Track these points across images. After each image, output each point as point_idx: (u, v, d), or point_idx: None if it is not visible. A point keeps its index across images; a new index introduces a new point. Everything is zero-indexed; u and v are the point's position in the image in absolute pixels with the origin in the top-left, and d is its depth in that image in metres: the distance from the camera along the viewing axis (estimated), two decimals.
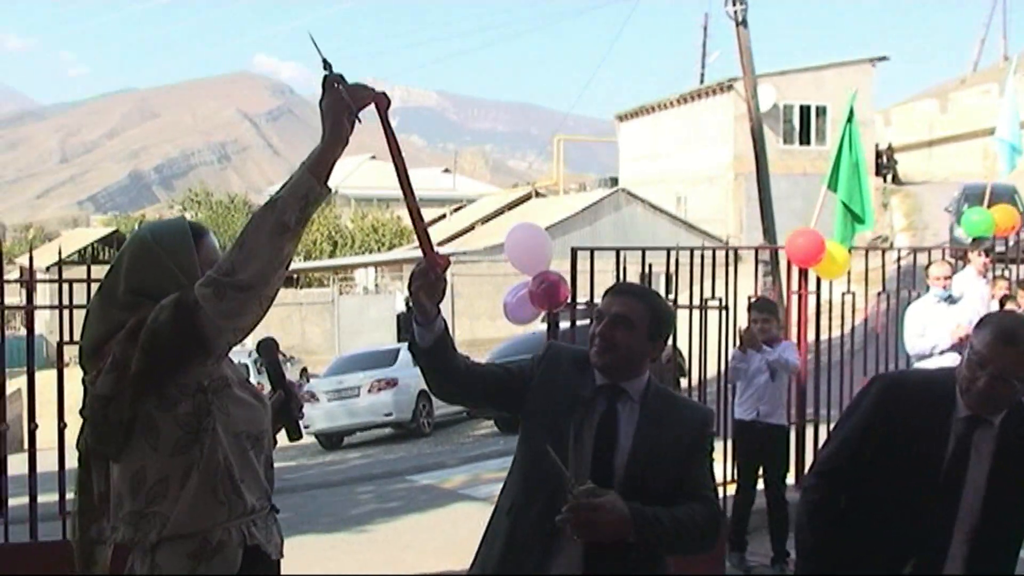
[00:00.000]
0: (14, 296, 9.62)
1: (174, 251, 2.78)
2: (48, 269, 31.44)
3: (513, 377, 3.23)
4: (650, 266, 7.34)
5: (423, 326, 3.04)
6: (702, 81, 39.24)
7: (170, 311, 2.58)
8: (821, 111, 36.87)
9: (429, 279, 2.95)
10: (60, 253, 6.88)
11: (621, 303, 3.13)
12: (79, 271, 6.58)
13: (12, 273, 32.31)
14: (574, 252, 7.51)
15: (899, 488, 3.04)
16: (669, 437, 3.04)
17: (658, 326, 3.13)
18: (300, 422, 3.17)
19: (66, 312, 6.45)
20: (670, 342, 3.73)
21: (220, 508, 2.69)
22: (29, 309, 6.54)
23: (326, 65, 2.67)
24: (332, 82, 2.63)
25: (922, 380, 3.20)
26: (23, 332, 6.64)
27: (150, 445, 2.62)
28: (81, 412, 2.67)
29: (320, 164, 2.65)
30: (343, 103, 2.63)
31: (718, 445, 7.51)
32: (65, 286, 6.54)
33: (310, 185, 2.61)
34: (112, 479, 2.70)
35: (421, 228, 3.02)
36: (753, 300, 7.71)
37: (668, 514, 2.88)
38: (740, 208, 35.27)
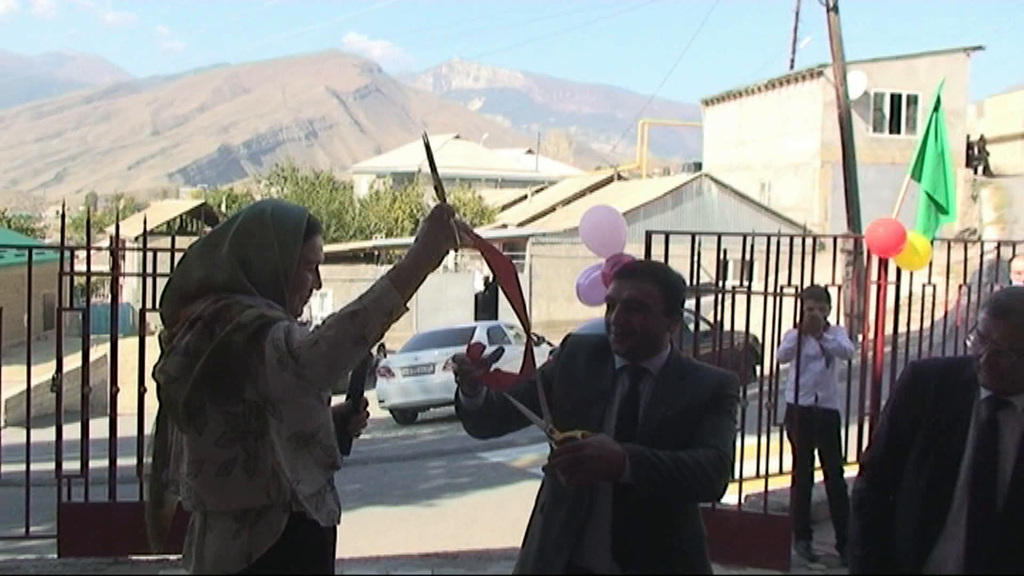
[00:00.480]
0: (103, 264, 9.83)
1: (284, 236, 2.82)
2: (137, 239, 31.99)
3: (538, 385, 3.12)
4: (725, 251, 7.30)
5: (470, 397, 3.12)
6: (792, 67, 38.58)
7: (245, 336, 2.60)
8: (912, 100, 36.14)
9: (470, 376, 3.02)
10: (145, 223, 7.04)
11: (631, 286, 3.12)
12: (166, 242, 6.73)
13: (102, 242, 33.03)
14: (648, 235, 7.50)
15: (927, 475, 2.97)
16: (684, 401, 3.03)
17: (673, 301, 3.13)
18: (352, 440, 3.16)
19: (150, 280, 6.61)
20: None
21: (263, 498, 2.72)
22: (114, 276, 6.72)
23: (439, 192, 2.73)
24: (445, 213, 2.65)
25: (945, 364, 3.12)
26: (110, 301, 6.81)
27: (196, 428, 2.68)
28: (153, 371, 2.75)
29: (408, 283, 2.64)
30: (450, 236, 2.65)
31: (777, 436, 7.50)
32: (150, 255, 6.70)
33: (395, 303, 2.59)
34: (169, 435, 2.83)
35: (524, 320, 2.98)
36: (806, 288, 7.63)
37: (669, 455, 2.82)
38: (826, 197, 34.76)
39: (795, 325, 7.48)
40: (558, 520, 3.09)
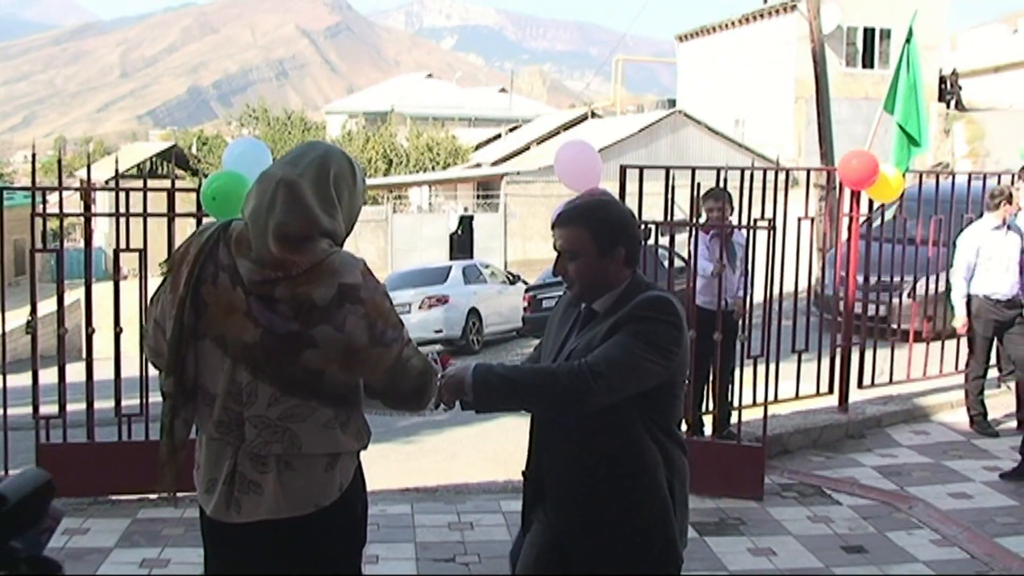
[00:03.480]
0: (74, 209, 9.76)
1: (359, 183, 2.94)
2: (107, 182, 31.76)
3: None
4: (699, 186, 7.31)
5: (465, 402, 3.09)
6: (765, 1, 38.36)
7: (401, 338, 2.83)
8: (886, 34, 36.01)
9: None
10: (116, 163, 7.03)
11: (560, 235, 3.12)
12: (136, 184, 6.71)
13: (73, 185, 32.71)
14: (623, 170, 7.52)
15: None
16: (605, 325, 3.00)
17: (608, 239, 3.05)
18: None
19: (123, 220, 6.59)
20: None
21: (357, 443, 2.91)
22: (87, 216, 6.69)
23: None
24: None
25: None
26: (83, 244, 6.79)
27: (315, 392, 2.76)
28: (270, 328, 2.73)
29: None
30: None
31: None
32: (121, 195, 6.67)
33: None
34: (233, 375, 2.76)
35: None
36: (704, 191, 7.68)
37: (511, 371, 2.94)
38: (800, 132, 34.74)
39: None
40: (529, 481, 3.27)
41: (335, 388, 2.76)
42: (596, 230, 3.06)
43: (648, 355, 2.92)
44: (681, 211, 8.47)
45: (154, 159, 46.85)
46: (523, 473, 3.30)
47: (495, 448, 8.35)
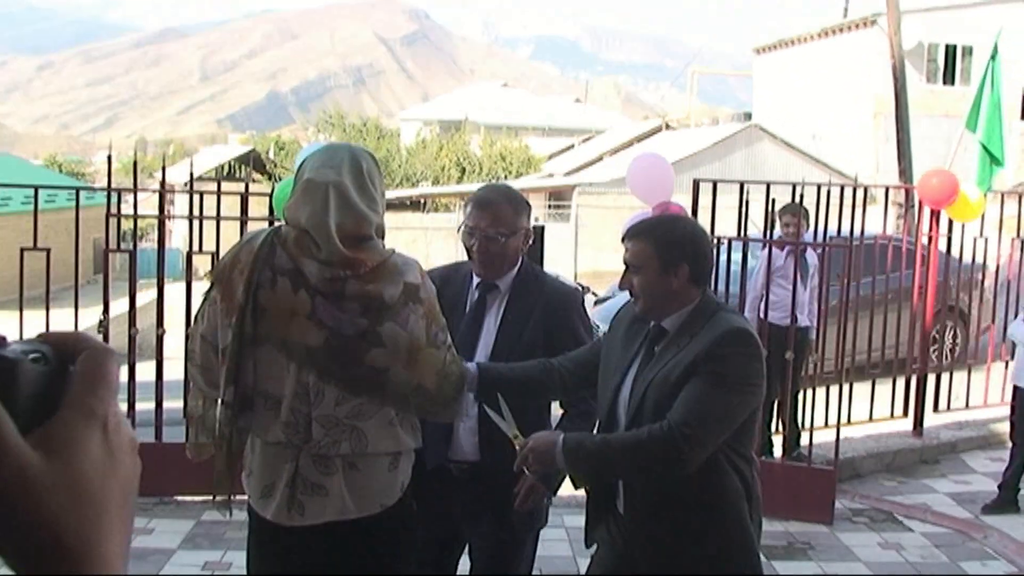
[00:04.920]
0: (154, 210, 9.88)
1: (382, 182, 2.98)
2: (185, 184, 32.10)
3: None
4: (774, 202, 7.20)
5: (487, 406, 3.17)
6: (845, 15, 37.85)
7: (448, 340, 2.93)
8: (967, 51, 35.35)
9: None
10: (192, 166, 7.12)
11: (627, 250, 3.10)
12: (225, 186, 6.80)
13: (152, 187, 33.26)
14: (696, 184, 7.43)
15: None
16: (681, 356, 2.94)
17: (670, 255, 3.01)
18: None
19: (196, 223, 6.65)
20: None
21: (415, 441, 2.96)
22: (161, 219, 6.77)
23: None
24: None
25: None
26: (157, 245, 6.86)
27: (377, 392, 2.79)
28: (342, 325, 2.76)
29: None
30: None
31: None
32: (196, 198, 6.74)
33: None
34: (299, 376, 2.77)
35: None
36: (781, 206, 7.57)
37: (601, 440, 2.95)
38: (877, 149, 34.23)
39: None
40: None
41: (398, 387, 2.77)
42: (659, 246, 3.03)
43: (735, 397, 2.88)
44: (755, 226, 8.35)
45: (232, 162, 47.39)
46: (585, 488, 3.25)
47: None
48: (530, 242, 3.53)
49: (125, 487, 0.72)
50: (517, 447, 2.98)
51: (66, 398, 0.69)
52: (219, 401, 2.84)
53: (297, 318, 2.71)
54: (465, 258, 3.55)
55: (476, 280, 3.53)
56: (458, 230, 3.45)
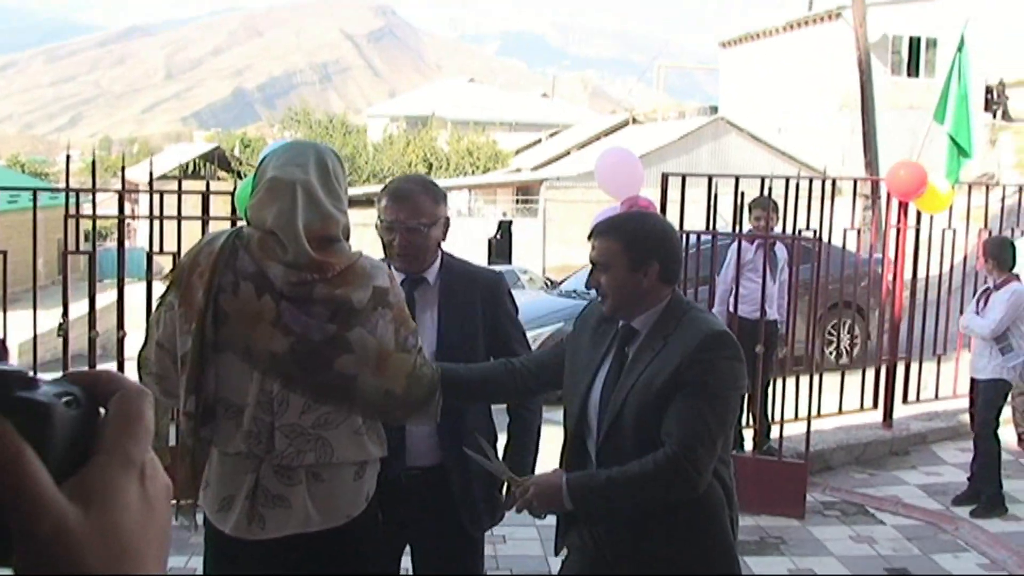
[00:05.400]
0: (114, 209, 9.74)
1: (345, 181, 2.90)
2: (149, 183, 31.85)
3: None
4: (742, 194, 7.16)
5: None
6: (810, 8, 37.97)
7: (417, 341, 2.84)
8: (932, 43, 35.54)
9: None
10: (151, 165, 7.00)
11: (595, 247, 3.02)
12: (187, 185, 6.69)
13: (116, 186, 32.93)
14: (665, 178, 7.38)
15: None
16: (655, 366, 2.87)
17: (640, 253, 2.93)
18: None
19: (157, 223, 6.54)
20: None
21: (382, 450, 2.86)
22: (120, 219, 6.64)
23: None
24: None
25: None
26: (126, 243, 6.74)
27: (349, 400, 2.71)
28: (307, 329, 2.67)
29: None
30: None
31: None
32: (157, 197, 6.63)
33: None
34: (263, 384, 2.67)
35: None
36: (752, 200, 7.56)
37: (608, 476, 2.82)
38: (843, 141, 34.37)
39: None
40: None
41: (366, 394, 2.67)
42: (628, 243, 2.95)
43: (727, 406, 2.86)
44: (724, 220, 8.31)
45: (197, 160, 47.05)
46: None
47: (541, 457, 8.22)
48: (448, 230, 3.47)
49: (161, 537, 0.69)
50: (512, 487, 2.91)
51: (101, 443, 0.66)
52: (179, 411, 2.73)
53: (261, 324, 2.60)
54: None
55: (400, 277, 3.37)
56: (378, 227, 3.35)
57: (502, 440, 3.57)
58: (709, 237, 7.19)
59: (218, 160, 40.93)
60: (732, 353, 2.86)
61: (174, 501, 2.85)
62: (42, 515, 0.60)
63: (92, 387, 0.69)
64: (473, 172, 43.65)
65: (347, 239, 2.78)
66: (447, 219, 3.43)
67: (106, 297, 8.56)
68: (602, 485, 2.80)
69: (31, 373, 0.65)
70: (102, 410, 0.69)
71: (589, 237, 3.07)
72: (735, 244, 7.31)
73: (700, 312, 3.06)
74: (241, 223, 2.89)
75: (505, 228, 34.28)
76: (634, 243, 2.95)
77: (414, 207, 3.29)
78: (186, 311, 2.66)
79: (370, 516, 2.84)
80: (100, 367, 6.41)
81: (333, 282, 2.63)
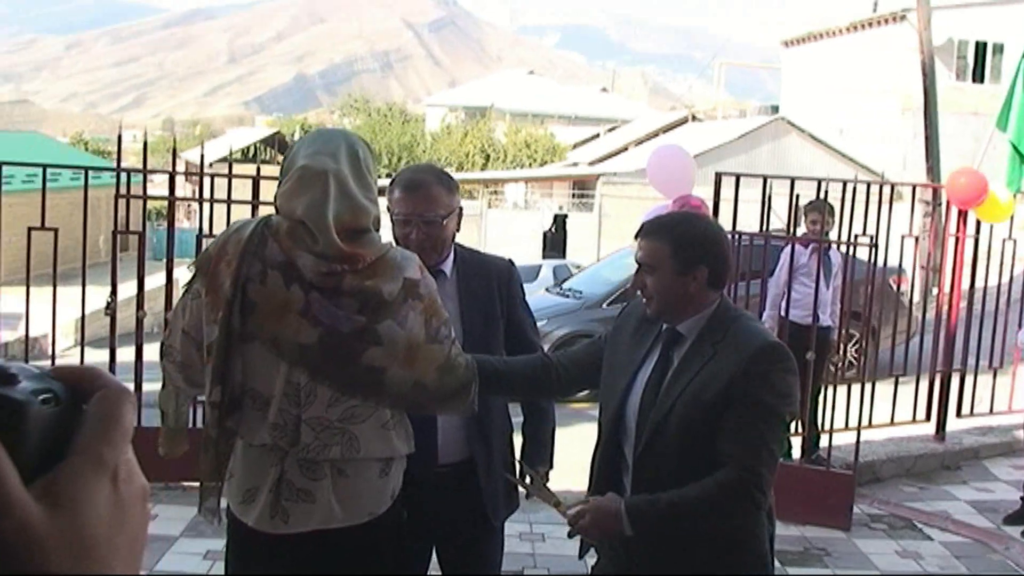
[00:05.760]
0: (180, 191, 9.78)
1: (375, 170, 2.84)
2: (212, 165, 32.14)
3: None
4: (798, 197, 7.04)
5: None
6: (875, 9, 37.46)
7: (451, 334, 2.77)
8: (998, 48, 34.92)
9: None
10: (202, 149, 7.01)
11: (642, 248, 2.93)
12: (243, 168, 6.71)
13: (178, 166, 33.15)
14: (718, 177, 7.27)
15: None
16: (705, 376, 2.78)
17: (688, 256, 2.85)
18: None
19: (207, 205, 6.55)
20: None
21: (408, 447, 2.81)
22: (171, 200, 6.67)
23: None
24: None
25: None
26: (185, 224, 6.79)
27: (376, 394, 2.65)
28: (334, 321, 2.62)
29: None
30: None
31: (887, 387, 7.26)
32: (206, 180, 6.63)
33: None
34: (289, 376, 2.62)
35: None
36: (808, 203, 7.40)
37: (669, 499, 2.72)
38: (905, 145, 33.89)
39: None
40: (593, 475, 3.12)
41: (395, 387, 2.61)
42: (677, 246, 2.86)
43: (782, 420, 2.82)
44: (779, 219, 8.19)
45: (258, 144, 47.48)
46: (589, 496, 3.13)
47: (575, 457, 8.15)
48: (462, 220, 3.40)
49: (132, 542, 0.66)
50: (562, 512, 2.85)
51: (76, 443, 0.65)
52: (203, 401, 2.69)
53: (289, 314, 2.55)
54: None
55: None
56: (391, 220, 3.28)
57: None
58: (760, 240, 7.07)
59: (278, 145, 41.24)
60: (787, 366, 2.79)
61: (194, 483, 2.81)
62: (5, 512, 0.59)
63: (76, 384, 0.67)
64: (530, 165, 43.60)
65: (377, 229, 2.72)
66: (461, 209, 3.36)
67: (157, 278, 8.61)
68: (664, 511, 2.72)
69: (11, 369, 0.64)
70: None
71: (636, 236, 3.00)
72: (788, 247, 7.19)
73: (749, 320, 3.00)
74: (268, 212, 2.84)
75: (560, 222, 34.17)
76: (683, 246, 2.86)
77: (430, 199, 3.22)
78: (212, 300, 2.61)
79: (395, 515, 2.79)
80: (147, 347, 6.46)
81: (363, 274, 2.57)
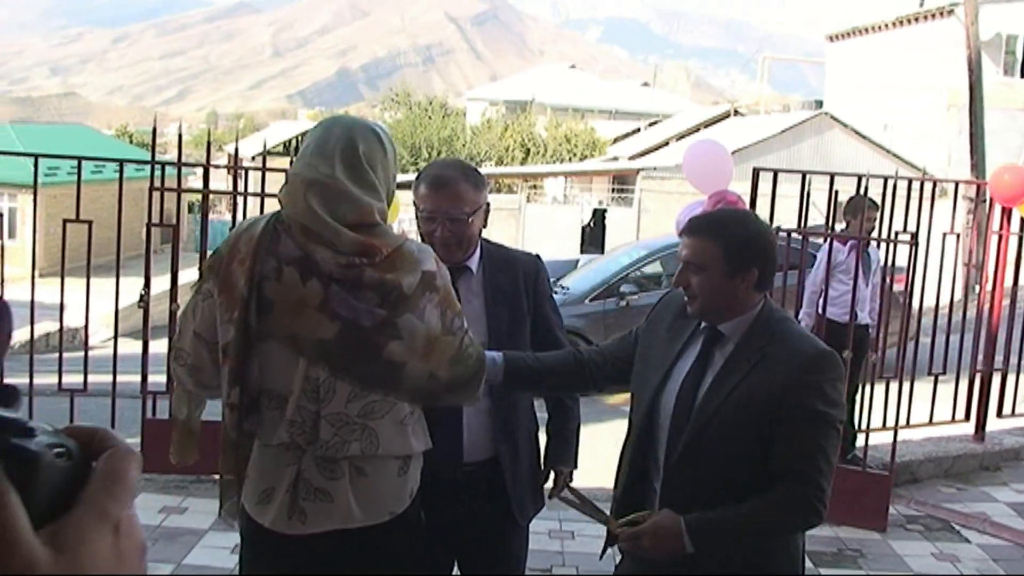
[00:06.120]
0: (221, 183, 9.81)
1: (391, 158, 2.73)
2: (253, 159, 32.42)
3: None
4: (837, 193, 6.93)
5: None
6: (921, 4, 36.99)
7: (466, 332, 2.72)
8: None
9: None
10: (236, 142, 7.03)
11: (689, 246, 2.82)
12: (280, 162, 6.72)
13: (220, 159, 33.43)
14: (756, 172, 7.18)
15: None
16: (754, 383, 2.70)
17: (740, 258, 2.76)
18: None
19: (240, 200, 6.57)
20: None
21: (426, 443, 2.78)
22: (205, 193, 6.67)
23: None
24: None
25: None
26: (227, 217, 6.81)
27: (392, 388, 2.62)
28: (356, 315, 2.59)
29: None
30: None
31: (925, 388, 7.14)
32: (241, 173, 6.66)
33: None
34: (308, 372, 2.58)
35: None
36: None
37: (735, 515, 2.67)
38: (950, 141, 33.48)
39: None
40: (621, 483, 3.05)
41: (413, 381, 2.58)
42: (729, 247, 2.77)
43: (837, 426, 2.73)
44: (819, 213, 8.08)
45: (298, 138, 47.74)
46: (615, 493, 3.08)
47: (607, 452, 8.09)
48: (488, 216, 3.34)
49: None
50: (614, 531, 2.78)
51: (83, 496, 0.70)
52: (222, 403, 2.63)
53: (307, 310, 2.51)
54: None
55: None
56: (416, 216, 3.23)
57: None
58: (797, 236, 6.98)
59: None
60: (838, 374, 2.74)
61: (212, 475, 2.78)
62: (14, 553, 0.63)
63: (88, 442, 0.73)
64: (570, 159, 43.50)
65: (385, 221, 2.66)
66: (488, 204, 3.30)
67: (194, 272, 8.63)
68: (727, 528, 2.68)
69: (29, 423, 0.69)
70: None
71: (681, 234, 2.90)
72: (827, 244, 7.09)
73: (793, 324, 2.94)
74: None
75: (599, 216, 34.08)
76: (735, 248, 2.78)
77: (456, 195, 3.17)
78: (226, 300, 2.57)
79: (413, 514, 2.75)
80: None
81: (382, 267, 2.53)
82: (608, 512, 2.98)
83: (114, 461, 0.73)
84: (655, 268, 13.87)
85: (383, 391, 2.58)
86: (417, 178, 3.25)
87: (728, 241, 2.77)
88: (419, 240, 3.29)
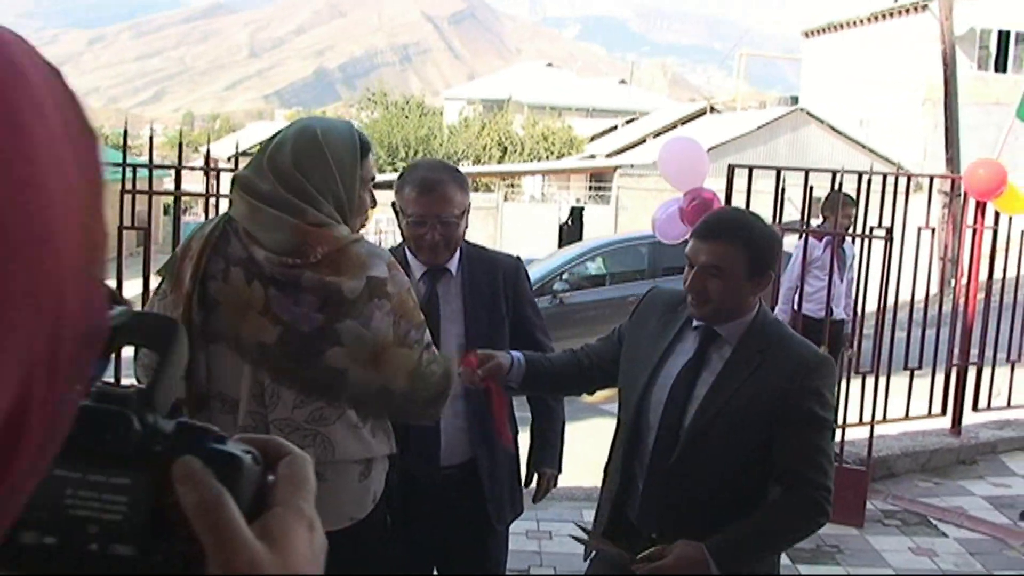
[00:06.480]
0: (197, 184, 9.75)
1: (340, 157, 2.58)
2: (229, 159, 32.18)
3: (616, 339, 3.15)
4: (812, 189, 6.93)
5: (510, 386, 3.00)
6: None
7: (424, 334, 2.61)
8: (1021, 37, 34.64)
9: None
10: (209, 142, 6.99)
11: (709, 251, 2.74)
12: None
13: (197, 161, 33.28)
14: (731, 169, 7.18)
15: None
16: (753, 388, 2.69)
17: (758, 262, 2.73)
18: None
19: (212, 200, 6.52)
20: None
21: (389, 447, 2.74)
22: (177, 195, 6.62)
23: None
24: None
25: None
26: (202, 218, 6.74)
27: (336, 395, 2.56)
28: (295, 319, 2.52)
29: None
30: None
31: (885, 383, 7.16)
32: (212, 174, 6.59)
33: None
34: (254, 376, 2.54)
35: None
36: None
37: (754, 529, 2.69)
38: (926, 136, 33.63)
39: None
40: (607, 489, 3.06)
41: (357, 389, 2.50)
42: (754, 251, 2.73)
43: (832, 428, 2.81)
44: (794, 207, 8.09)
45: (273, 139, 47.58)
46: (601, 495, 3.06)
47: (586, 451, 8.07)
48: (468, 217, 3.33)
49: None
50: (633, 566, 2.72)
51: (276, 496, 0.74)
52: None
53: (251, 312, 2.46)
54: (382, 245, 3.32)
55: (421, 269, 3.27)
56: (399, 217, 3.21)
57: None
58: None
59: None
60: (835, 380, 2.87)
61: None
62: (240, 552, 0.66)
63: (263, 449, 0.76)
64: (547, 157, 43.50)
65: (344, 214, 2.57)
66: (470, 203, 3.30)
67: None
68: (748, 543, 2.71)
69: (219, 431, 0.72)
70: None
71: (698, 237, 2.81)
72: (802, 240, 7.10)
73: (784, 327, 2.96)
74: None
75: (577, 214, 34.08)
76: (759, 252, 2.75)
77: (446, 198, 3.15)
78: (175, 297, 2.55)
79: (377, 519, 2.71)
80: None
81: (323, 268, 2.46)
82: (597, 514, 3.05)
83: (295, 465, 0.76)
84: (597, 267, 13.91)
85: (325, 398, 2.53)
86: (400, 180, 3.20)
87: (753, 245, 2.74)
88: (401, 241, 3.26)
